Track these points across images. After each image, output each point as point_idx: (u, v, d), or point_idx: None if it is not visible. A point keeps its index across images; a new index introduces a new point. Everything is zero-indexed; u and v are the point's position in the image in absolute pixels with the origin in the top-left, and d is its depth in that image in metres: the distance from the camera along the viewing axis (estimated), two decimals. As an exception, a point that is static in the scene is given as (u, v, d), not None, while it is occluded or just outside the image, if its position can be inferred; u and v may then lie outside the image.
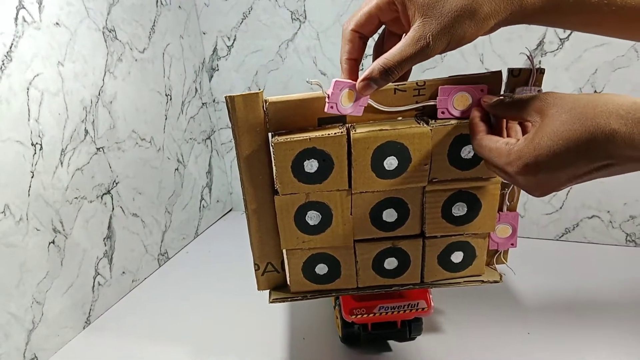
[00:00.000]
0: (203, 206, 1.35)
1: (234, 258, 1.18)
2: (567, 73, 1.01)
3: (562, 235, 1.16)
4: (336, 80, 0.62)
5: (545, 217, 1.15)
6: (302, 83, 1.23)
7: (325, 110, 0.63)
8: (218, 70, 1.31)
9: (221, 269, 1.15)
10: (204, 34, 1.28)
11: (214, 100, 1.36)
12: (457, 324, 0.89)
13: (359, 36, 0.62)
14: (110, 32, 0.98)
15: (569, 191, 1.10)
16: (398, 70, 0.56)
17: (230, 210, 1.50)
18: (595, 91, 1.01)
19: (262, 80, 1.28)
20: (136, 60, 1.06)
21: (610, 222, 1.10)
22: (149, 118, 1.11)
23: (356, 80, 0.61)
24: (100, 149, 0.98)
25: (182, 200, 1.25)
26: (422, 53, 0.53)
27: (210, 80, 1.33)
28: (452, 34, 0.51)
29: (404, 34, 0.62)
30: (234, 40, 1.26)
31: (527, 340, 0.84)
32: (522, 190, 0.72)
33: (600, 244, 1.13)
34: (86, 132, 0.94)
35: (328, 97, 0.63)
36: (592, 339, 0.83)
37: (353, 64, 0.64)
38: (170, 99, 1.18)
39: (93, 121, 0.96)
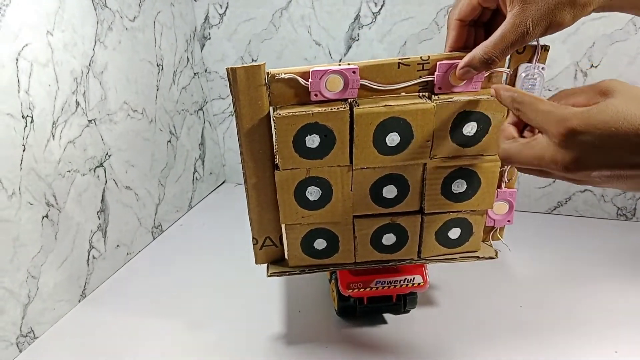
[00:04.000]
0: (196, 178, 1.34)
1: (228, 231, 1.18)
2: (564, 46, 1.01)
3: (554, 209, 1.17)
4: (313, 70, 0.62)
5: (538, 191, 1.16)
6: (297, 53, 1.21)
7: (311, 98, 0.63)
8: (210, 39, 1.28)
9: (215, 241, 1.15)
10: (195, 1, 1.24)
11: (205, 70, 1.33)
12: (450, 297, 0.90)
13: (462, 24, 0.63)
14: (99, -1, 0.95)
15: (562, 165, 1.11)
16: (499, 58, 0.57)
17: (223, 182, 1.49)
18: (592, 65, 1.00)
19: (255, 50, 1.25)
20: (127, 29, 1.03)
21: (602, 195, 1.11)
22: (140, 89, 1.08)
23: None
24: (92, 121, 0.96)
25: (175, 172, 1.24)
26: (521, 39, 0.54)
27: (202, 50, 1.30)
28: (551, 20, 0.52)
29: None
30: (226, 8, 1.22)
31: (520, 313, 0.86)
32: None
33: (592, 218, 1.14)
34: (77, 103, 0.92)
35: (310, 87, 0.62)
36: (583, 311, 0.85)
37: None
38: (162, 69, 1.15)
39: (84, 92, 0.93)
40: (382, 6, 1.09)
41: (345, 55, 1.17)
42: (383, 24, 1.11)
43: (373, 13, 1.10)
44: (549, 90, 1.05)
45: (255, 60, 1.26)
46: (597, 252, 1.01)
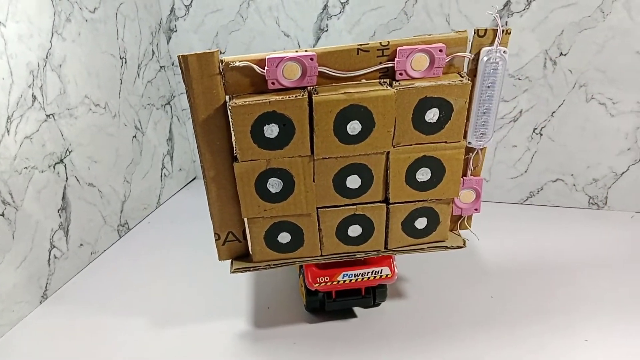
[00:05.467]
0: (165, 175, 1.31)
1: (197, 228, 1.15)
2: (534, 34, 1.00)
3: (526, 199, 1.17)
4: (268, 58, 0.60)
5: (510, 181, 1.16)
6: (265, 45, 1.19)
7: (269, 87, 0.61)
8: (176, 31, 1.25)
9: (183, 239, 1.12)
10: (160, -8, 1.21)
11: (172, 64, 1.30)
12: (421, 289, 0.89)
13: None
14: (56, -11, 0.92)
15: (533, 155, 1.10)
16: None
17: (194, 178, 1.46)
18: (561, 53, 1.00)
19: (223, 42, 1.23)
20: (86, 20, 1.00)
21: (574, 185, 1.11)
22: (102, 82, 1.05)
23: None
24: (50, 116, 0.92)
25: (141, 168, 1.20)
26: None
27: (168, 42, 1.27)
28: None
29: None
30: (193, -1, 1.20)
31: (490, 303, 0.85)
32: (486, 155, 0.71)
33: (564, 207, 1.14)
34: (34, 97, 0.89)
35: (266, 74, 0.60)
36: (553, 301, 0.84)
37: None
38: (125, 62, 1.12)
39: (41, 86, 0.90)
40: (350, -5, 1.07)
41: (314, 46, 1.15)
42: (352, 14, 1.09)
43: (341, 3, 1.08)
44: (512, 77, 1.04)
45: (223, 53, 1.23)
46: (569, 241, 1.01)
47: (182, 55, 0.59)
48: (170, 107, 1.31)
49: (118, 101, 1.10)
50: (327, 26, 1.12)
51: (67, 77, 0.96)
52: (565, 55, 1.00)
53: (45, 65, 0.91)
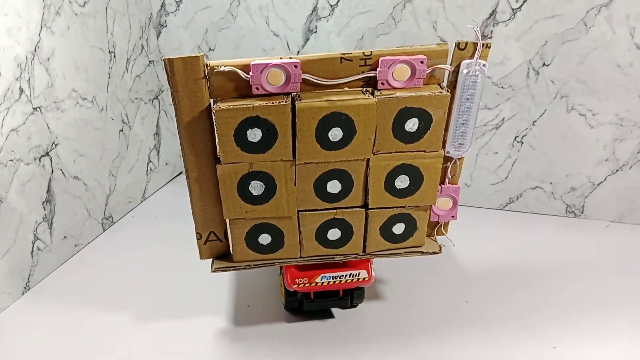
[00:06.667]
0: (150, 169, 1.32)
1: (180, 223, 1.15)
2: (518, 44, 1.02)
3: (506, 205, 1.19)
4: (253, 64, 0.61)
5: (490, 187, 1.18)
6: (254, 44, 1.20)
7: (253, 92, 0.63)
8: (166, 26, 1.26)
9: (166, 234, 1.13)
10: (152, -13, 1.21)
11: (162, 59, 1.30)
12: (398, 292, 0.91)
13: None
14: (45, -18, 0.92)
15: (514, 162, 1.13)
16: None
17: (180, 173, 1.47)
18: (543, 63, 1.02)
19: (212, 39, 1.23)
20: (76, 14, 1.00)
21: (552, 193, 1.13)
22: (90, 76, 1.05)
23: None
24: (37, 109, 0.93)
25: (127, 162, 1.21)
26: None
27: (157, 37, 1.28)
28: None
29: None
30: (183, -5, 1.20)
31: (465, 308, 0.87)
32: (464, 163, 0.73)
33: (542, 214, 1.16)
34: (21, 90, 0.89)
35: (251, 80, 0.62)
36: (525, 307, 0.86)
37: None
38: (114, 57, 1.12)
39: (29, 79, 0.90)
40: (339, -1, 1.08)
41: (303, 47, 1.16)
42: (341, 17, 1.10)
43: (331, 5, 1.10)
44: (496, 85, 1.06)
45: (213, 50, 1.24)
46: (545, 248, 1.03)
47: (167, 59, 0.60)
48: (158, 101, 1.32)
49: (106, 95, 1.11)
50: (316, 27, 1.13)
51: (55, 70, 0.96)
52: (548, 65, 1.02)
53: (33, 59, 0.91)
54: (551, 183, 1.12)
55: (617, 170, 1.06)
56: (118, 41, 1.13)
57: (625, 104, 1.00)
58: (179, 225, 1.15)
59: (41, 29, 0.92)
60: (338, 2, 1.08)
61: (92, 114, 1.07)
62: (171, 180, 1.43)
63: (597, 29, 0.95)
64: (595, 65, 0.98)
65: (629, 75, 0.97)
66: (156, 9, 1.24)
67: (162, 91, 1.33)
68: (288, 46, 1.17)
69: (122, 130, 1.18)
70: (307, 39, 1.15)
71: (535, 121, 1.07)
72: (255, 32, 1.18)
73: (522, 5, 0.98)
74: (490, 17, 1.01)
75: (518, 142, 1.11)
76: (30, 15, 0.90)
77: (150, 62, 1.26)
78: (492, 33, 1.02)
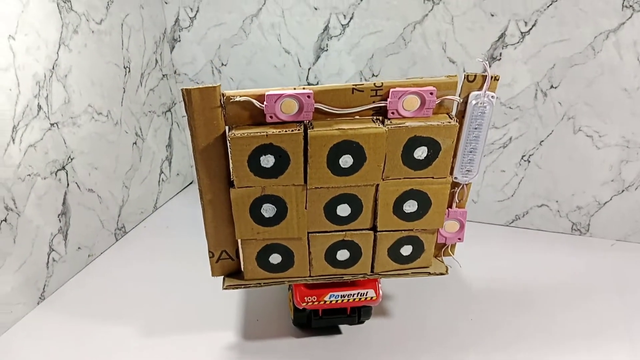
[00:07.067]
0: (162, 180, 1.34)
1: (191, 233, 1.18)
2: (526, 66, 1.03)
3: (512, 222, 1.20)
4: (268, 94, 0.63)
5: (497, 204, 1.19)
6: (266, 60, 1.22)
7: (267, 120, 0.65)
8: (180, 41, 1.28)
9: (178, 244, 1.16)
10: (166, 3, 1.24)
11: (175, 72, 1.33)
12: (404, 308, 0.93)
13: None
14: (65, 2, 0.94)
15: (521, 180, 1.14)
16: None
17: (191, 183, 1.49)
18: (551, 85, 1.03)
19: (225, 55, 1.25)
20: (93, 32, 1.02)
21: (558, 211, 1.15)
22: (105, 92, 1.08)
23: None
24: (54, 125, 0.95)
25: (140, 174, 1.24)
26: None
27: (171, 52, 1.30)
28: None
29: None
30: (197, 11, 1.22)
31: (469, 325, 0.88)
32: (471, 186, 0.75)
33: (548, 232, 1.18)
34: (39, 107, 0.91)
35: (265, 109, 0.64)
36: (527, 326, 0.88)
37: None
38: (129, 71, 1.15)
39: (47, 96, 0.93)
40: (350, 19, 1.10)
41: (314, 64, 1.18)
42: (351, 36, 1.12)
43: (342, 25, 1.11)
44: (504, 105, 1.07)
45: (225, 65, 1.26)
46: (550, 266, 1.04)
47: (185, 89, 0.62)
48: (171, 113, 1.34)
49: (120, 109, 1.13)
50: (327, 46, 1.15)
51: (71, 87, 0.98)
52: (555, 87, 1.03)
53: (51, 76, 0.93)
54: (557, 201, 1.14)
55: (622, 191, 1.08)
56: (133, 56, 1.16)
57: (631, 127, 1.01)
58: (190, 236, 1.18)
59: (59, 47, 0.95)
60: (349, 22, 1.10)
61: (106, 128, 1.09)
62: (182, 190, 1.45)
63: (604, 54, 0.97)
64: (602, 89, 1.00)
65: (634, 99, 0.98)
66: (170, 24, 1.26)
67: (175, 104, 1.35)
68: (299, 63, 1.19)
69: (135, 143, 1.20)
70: (318, 57, 1.17)
71: (542, 141, 1.09)
72: (267, 49, 1.21)
73: (530, 29, 0.99)
74: (499, 39, 1.02)
75: (525, 160, 1.12)
76: (49, 34, 0.92)
77: (163, 75, 1.28)
78: (500, 55, 1.03)
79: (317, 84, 1.21)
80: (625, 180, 1.06)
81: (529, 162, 1.12)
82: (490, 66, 1.05)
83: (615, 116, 1.01)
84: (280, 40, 1.18)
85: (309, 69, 1.20)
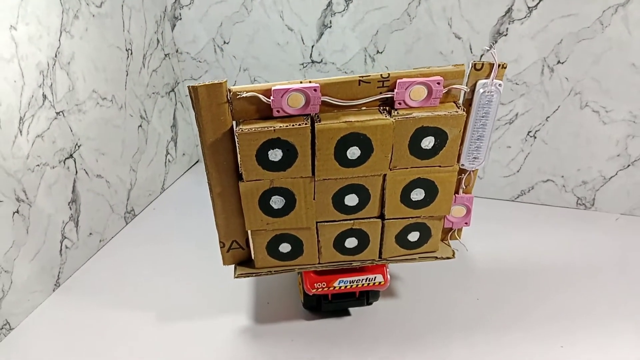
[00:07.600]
0: (169, 160, 1.35)
1: (199, 213, 1.20)
2: (533, 42, 1.02)
3: (517, 197, 1.21)
4: (274, 89, 0.63)
5: (502, 180, 1.20)
6: (269, 38, 1.20)
7: (274, 115, 0.64)
8: (181, 19, 1.26)
9: (187, 225, 1.17)
10: (166, -20, 1.21)
11: (177, 51, 1.31)
12: (411, 289, 0.94)
13: None
14: (64, -12, 0.93)
15: (526, 156, 1.14)
16: None
17: (197, 162, 1.50)
18: (558, 61, 1.02)
19: (227, 33, 1.24)
20: (94, 15, 1.01)
21: (564, 186, 1.15)
22: (109, 76, 1.07)
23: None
24: (60, 113, 0.95)
25: (146, 156, 1.24)
26: None
27: (172, 30, 1.28)
28: None
29: None
30: (198, -11, 1.20)
31: (476, 305, 0.90)
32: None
33: (553, 206, 1.19)
34: (44, 97, 0.91)
35: (272, 104, 0.63)
36: (534, 304, 0.89)
37: None
38: (131, 54, 1.14)
39: (51, 85, 0.92)
40: (354, -6, 1.08)
41: (317, 41, 1.17)
42: (355, 12, 1.10)
43: (345, 1, 1.09)
44: (510, 81, 1.06)
45: (227, 43, 1.25)
46: (555, 242, 1.05)
47: (192, 86, 0.62)
48: (174, 93, 1.34)
49: (124, 93, 1.13)
50: (330, 23, 1.14)
51: (75, 73, 0.98)
52: (562, 63, 1.02)
53: (54, 64, 0.93)
54: (562, 176, 1.14)
55: (628, 166, 1.08)
56: (134, 38, 1.14)
57: (639, 102, 1.00)
58: (198, 216, 1.19)
59: (61, 34, 0.94)
60: (353, -2, 1.09)
61: (111, 112, 1.09)
62: (188, 169, 1.46)
63: (613, 29, 0.95)
64: (609, 65, 0.99)
65: (643, 75, 0.98)
66: (170, 2, 1.24)
67: (178, 83, 1.34)
68: (302, 40, 1.18)
69: (140, 126, 1.20)
70: (322, 34, 1.16)
71: (548, 117, 1.08)
72: (270, 27, 1.19)
73: (538, 3, 0.97)
74: (505, 14, 1.00)
75: (531, 136, 1.12)
76: (50, 21, 0.91)
77: (165, 55, 1.27)
78: (507, 30, 1.02)
79: (322, 61, 1.19)
80: (631, 155, 1.06)
81: (535, 137, 1.12)
82: (496, 42, 1.03)
83: (623, 92, 1.00)
84: (283, 17, 1.17)
85: (312, 46, 1.18)
